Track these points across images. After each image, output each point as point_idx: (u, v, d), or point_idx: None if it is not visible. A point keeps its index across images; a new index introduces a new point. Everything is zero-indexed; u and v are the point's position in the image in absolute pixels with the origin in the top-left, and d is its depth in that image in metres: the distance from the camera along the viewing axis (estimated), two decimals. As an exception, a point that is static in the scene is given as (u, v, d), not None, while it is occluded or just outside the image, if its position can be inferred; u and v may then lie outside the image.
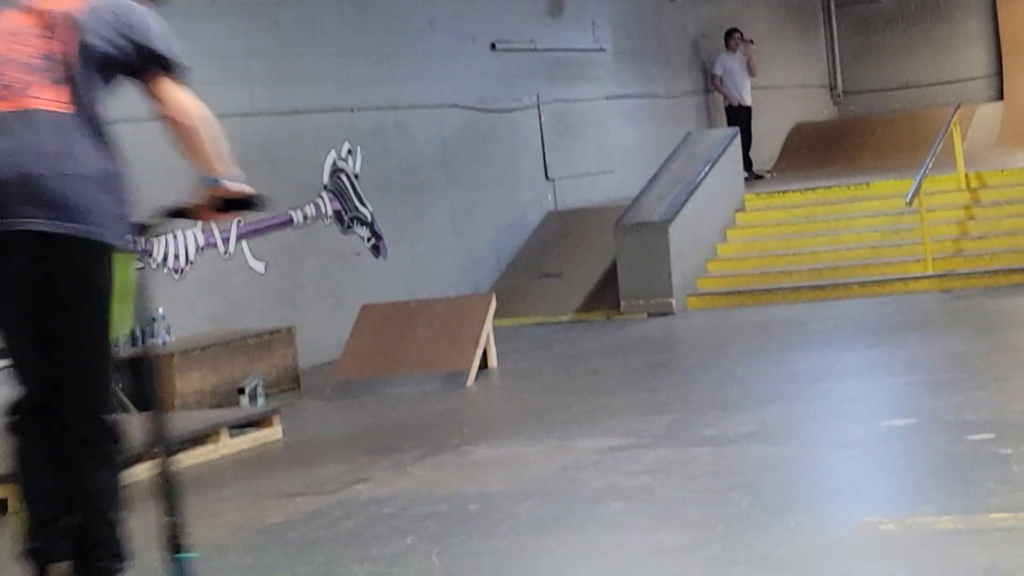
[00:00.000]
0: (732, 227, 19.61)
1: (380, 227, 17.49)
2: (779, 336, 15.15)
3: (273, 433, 12.05)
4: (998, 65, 26.34)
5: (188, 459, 11.29)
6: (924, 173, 17.79)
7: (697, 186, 18.79)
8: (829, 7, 27.41)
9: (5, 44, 3.94)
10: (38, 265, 3.71)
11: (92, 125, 4.00)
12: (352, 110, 17.23)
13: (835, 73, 27.46)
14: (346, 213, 17.05)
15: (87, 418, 4.01)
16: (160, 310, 14.17)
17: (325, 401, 13.88)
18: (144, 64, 4.01)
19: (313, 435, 12.30)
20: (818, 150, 25.44)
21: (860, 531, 7.59)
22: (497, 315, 15.16)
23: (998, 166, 20.12)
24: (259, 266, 15.76)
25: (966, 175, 19.01)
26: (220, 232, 15.27)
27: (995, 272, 16.96)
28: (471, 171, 19.13)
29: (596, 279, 18.68)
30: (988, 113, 25.67)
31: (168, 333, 14.16)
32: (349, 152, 17.13)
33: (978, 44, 26.69)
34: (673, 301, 17.67)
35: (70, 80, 3.97)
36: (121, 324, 3.98)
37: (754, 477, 9.07)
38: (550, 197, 20.63)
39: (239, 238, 15.52)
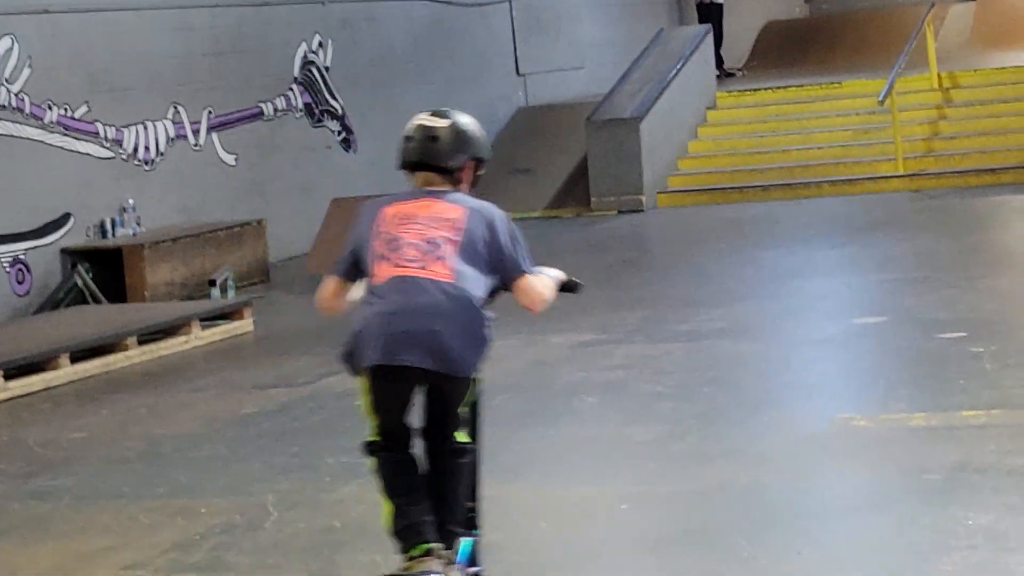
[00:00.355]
0: (703, 124, 19.55)
1: (351, 120, 17.39)
2: (750, 234, 15.16)
3: (244, 325, 12.04)
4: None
5: (160, 350, 11.28)
6: (896, 72, 17.75)
7: (669, 83, 18.70)
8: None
9: (405, 226, 5.40)
10: (431, 385, 5.32)
11: (466, 295, 5.29)
12: (323, 2, 17.07)
13: (808, -29, 27.38)
14: (316, 106, 16.94)
15: (452, 429, 5.36)
16: (131, 201, 14.09)
17: (296, 294, 13.85)
18: (509, 274, 5.43)
19: (284, 328, 12.28)
20: (790, 48, 25.31)
21: (833, 427, 7.65)
22: (468, 210, 15.09)
23: (971, 66, 20.07)
24: (229, 158, 15.66)
25: (939, 75, 18.96)
26: (190, 124, 15.15)
27: (966, 172, 16.98)
28: (441, 66, 18.99)
29: (566, 175, 18.63)
30: (961, 12, 25.55)
31: (138, 224, 14.08)
32: (320, 45, 16.99)
33: (953, -57, 26.58)
34: (644, 198, 17.65)
35: (455, 260, 5.28)
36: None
37: (727, 373, 9.11)
38: (521, 93, 20.52)
39: (209, 130, 15.40)
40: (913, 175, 17.17)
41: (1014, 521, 5.91)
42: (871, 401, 8.22)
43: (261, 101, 16.11)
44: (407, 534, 5.23)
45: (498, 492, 7.06)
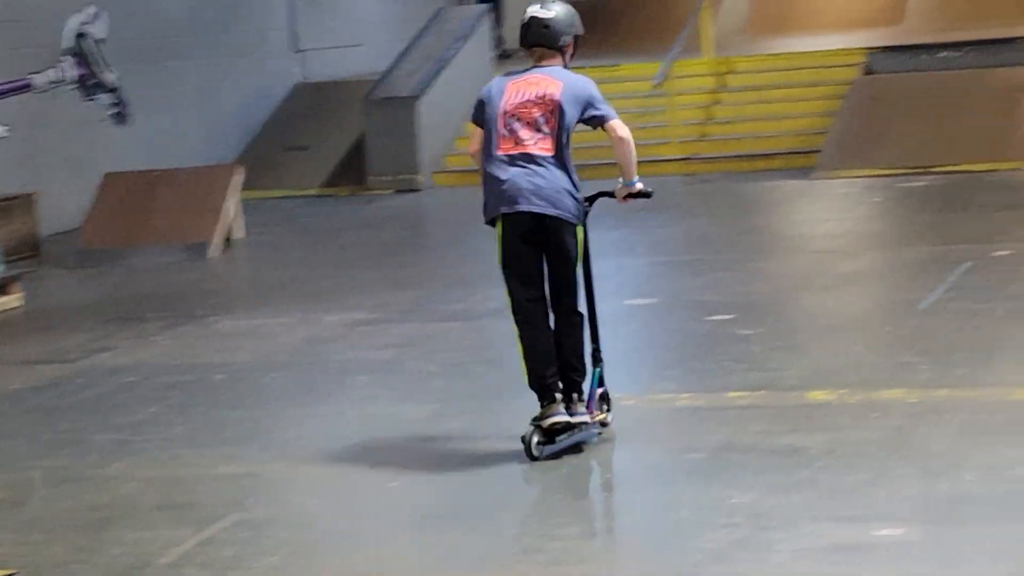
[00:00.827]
0: (482, 105, 19.58)
1: (125, 94, 17.05)
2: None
3: (12, 300, 11.78)
4: (748, -47, 26.67)
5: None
6: (673, 57, 17.98)
7: (447, 62, 18.71)
8: None
9: (521, 107, 7.09)
10: (538, 229, 7.05)
11: (561, 161, 7.15)
12: (97, -28, 16.71)
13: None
14: (90, 79, 16.56)
15: (566, 305, 7.23)
16: None
17: (67, 269, 13.60)
18: (595, 121, 7.22)
19: (55, 303, 12.06)
20: (570, 31, 25.47)
21: (603, 406, 7.72)
22: (243, 187, 14.97)
23: (746, 52, 20.43)
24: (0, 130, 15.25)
25: (714, 60, 19.27)
26: (-43, 93, 14.72)
27: (739, 157, 17.29)
28: (219, 40, 18.74)
29: (343, 153, 18.55)
30: (737, -1, 26.01)
31: (-100, 196, 13.66)
32: (94, 15, 16.61)
33: (729, -69, 26.96)
34: (420, 177, 17.66)
35: (555, 136, 7.07)
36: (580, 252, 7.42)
37: (501, 352, 9.11)
38: (298, 69, 20.34)
39: (-23, 100, 14.98)
40: (687, 159, 17.44)
41: (775, 500, 6.05)
42: (640, 381, 8.35)
43: (32, 72, 15.72)
44: (540, 391, 7.03)
45: (268, 469, 7.04)
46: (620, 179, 7.71)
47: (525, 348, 7.15)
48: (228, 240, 14.28)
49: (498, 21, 22.33)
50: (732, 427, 7.14)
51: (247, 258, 14.12)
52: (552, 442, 6.87)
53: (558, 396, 6.96)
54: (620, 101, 18.77)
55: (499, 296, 10.76)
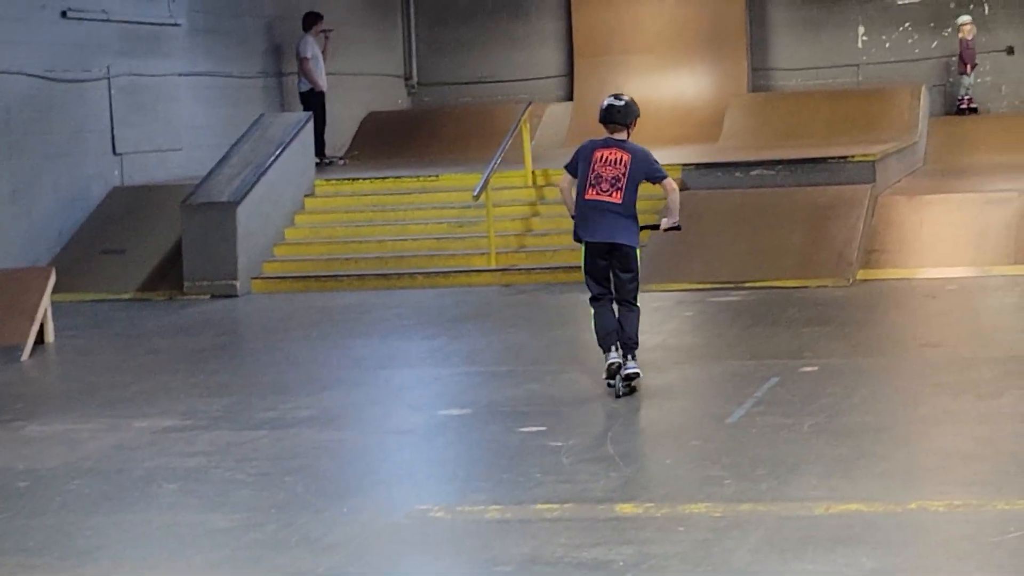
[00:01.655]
0: (301, 212, 19.59)
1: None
2: (343, 323, 15.23)
3: None
4: (570, 66, 27.08)
5: None
6: (492, 168, 18.17)
7: (267, 168, 18.70)
8: (407, -3, 27.69)
9: (604, 168, 10.51)
10: (610, 251, 10.47)
11: (628, 207, 10.49)
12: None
13: (411, 63, 27.68)
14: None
15: (628, 296, 10.61)
16: None
17: None
18: (654, 180, 10.56)
19: None
20: (391, 140, 25.64)
21: (411, 518, 7.71)
22: (57, 290, 14.77)
23: (564, 165, 20.62)
24: None
25: (533, 172, 19.49)
26: None
27: (555, 269, 17.45)
28: (36, 141, 18.52)
29: (160, 258, 18.38)
30: (559, 112, 26.36)
31: None
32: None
33: (552, 44, 27.36)
34: (238, 283, 17.56)
35: (624, 190, 10.47)
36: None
37: (311, 461, 9.10)
38: (117, 172, 20.15)
39: None
40: (505, 269, 17.58)
41: (579, 612, 6.06)
42: (450, 493, 8.34)
43: None
44: (605, 346, 10.59)
45: (66, 581, 6.89)
46: (665, 218, 10.96)
47: (596, 323, 10.71)
48: (40, 343, 14.04)
49: (321, 128, 22.40)
50: (539, 540, 7.15)
51: (58, 362, 13.89)
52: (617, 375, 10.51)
53: (613, 350, 10.52)
54: (439, 211, 19.13)
55: (311, 403, 10.86)
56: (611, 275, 10.68)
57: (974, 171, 21.63)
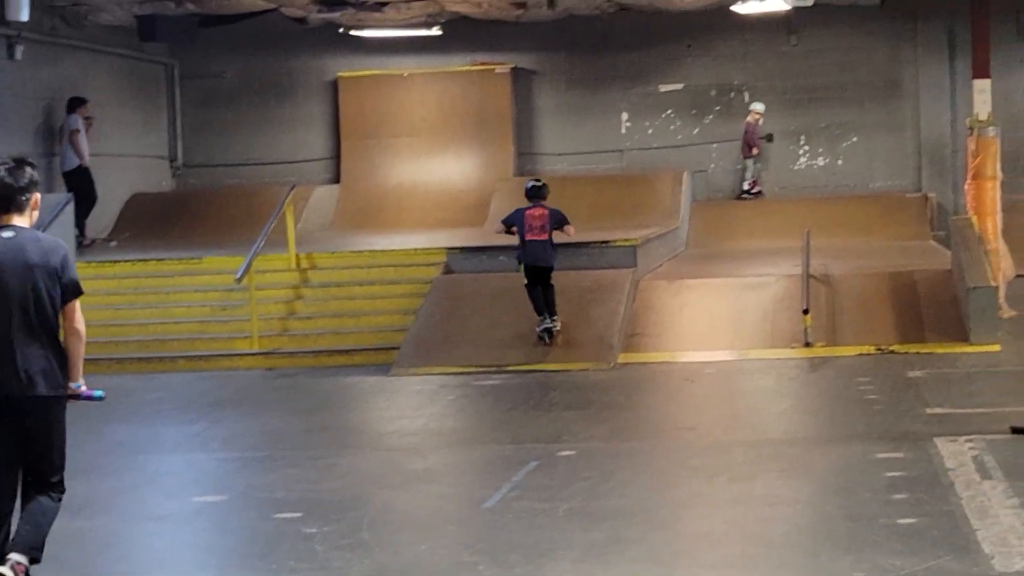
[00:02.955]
0: (61, 294, 19.17)
1: None
2: (101, 407, 14.67)
3: None
4: (337, 148, 27.07)
5: None
6: (256, 251, 18.04)
7: (26, 250, 18.26)
8: (173, 78, 27.39)
9: (533, 219, 16.69)
10: (540, 271, 16.77)
11: (551, 242, 16.72)
12: None
13: (176, 145, 27.42)
14: None
15: (549, 285, 16.72)
16: None
17: None
18: (560, 225, 16.94)
19: None
20: (155, 221, 25.30)
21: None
22: None
23: (330, 248, 20.64)
24: None
25: (297, 256, 19.39)
26: None
27: (319, 352, 17.37)
28: None
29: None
30: (325, 195, 26.32)
31: None
32: None
33: (319, 126, 27.34)
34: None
35: (547, 232, 16.66)
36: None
37: (58, 550, 8.80)
38: None
39: None
40: (268, 353, 17.43)
41: None
42: (201, 582, 8.18)
43: None
44: (538, 312, 16.56)
45: None
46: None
47: (532, 300, 16.59)
48: None
49: (87, 209, 22.06)
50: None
51: None
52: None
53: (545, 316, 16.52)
54: (202, 294, 18.90)
55: (67, 492, 10.53)
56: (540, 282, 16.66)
57: (734, 256, 22.13)
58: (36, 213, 7.46)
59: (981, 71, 19.50)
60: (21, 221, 7.41)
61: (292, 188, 20.45)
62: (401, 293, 18.54)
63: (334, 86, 27.19)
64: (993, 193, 19.21)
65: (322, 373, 16.56)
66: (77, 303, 7.49)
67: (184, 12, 23.19)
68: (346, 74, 26.96)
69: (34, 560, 7.30)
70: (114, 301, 19.22)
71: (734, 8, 24.41)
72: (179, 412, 14.56)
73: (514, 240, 16.92)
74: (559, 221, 16.72)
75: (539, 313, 16.67)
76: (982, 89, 19.45)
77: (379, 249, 19.99)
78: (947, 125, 26.05)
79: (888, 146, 26.48)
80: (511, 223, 16.86)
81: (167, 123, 27.42)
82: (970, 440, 10.94)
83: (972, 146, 19.33)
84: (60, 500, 7.48)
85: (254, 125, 27.46)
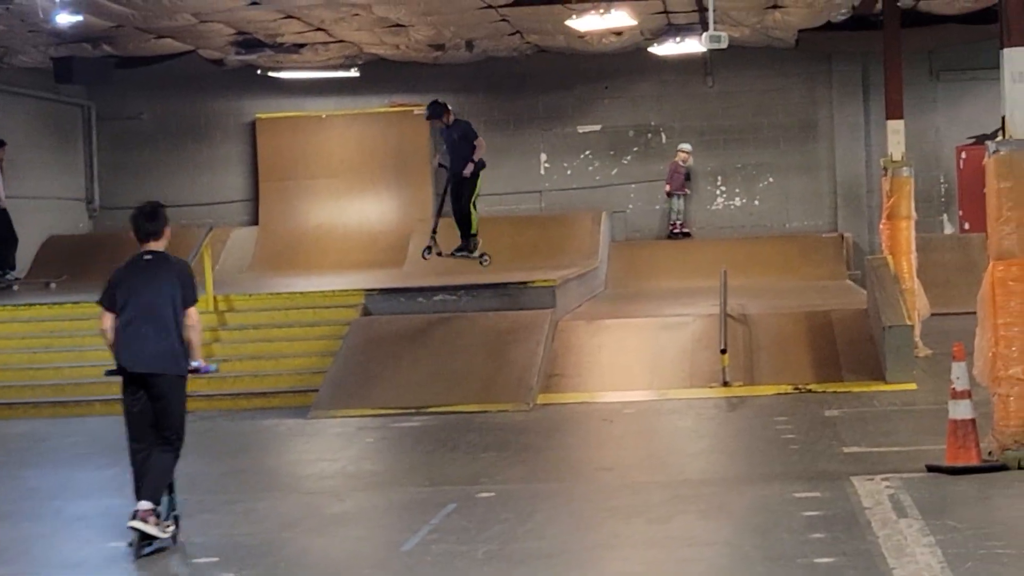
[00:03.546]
0: (-25, 338, 19.02)
1: None
2: (16, 452, 14.76)
3: None
4: (255, 190, 26.99)
5: None
6: (172, 293, 17.88)
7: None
8: (90, 120, 27.24)
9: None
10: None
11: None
12: None
13: (93, 187, 27.24)
14: None
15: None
16: None
17: None
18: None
19: None
20: (72, 263, 25.10)
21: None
22: None
23: (248, 290, 20.53)
24: None
25: (215, 298, 19.27)
26: None
27: (237, 395, 17.26)
28: None
29: None
30: (243, 237, 26.23)
31: None
32: None
33: (237, 168, 27.26)
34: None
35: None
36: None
37: (-31, 601, 8.74)
38: None
39: None
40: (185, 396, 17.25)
41: None
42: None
43: None
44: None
45: None
46: None
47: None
48: None
49: (7, 252, 21.93)
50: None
51: None
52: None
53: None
54: (116, 337, 18.66)
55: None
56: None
57: (652, 296, 22.22)
58: (166, 240, 10.10)
59: (895, 112, 19.71)
60: (157, 246, 10.11)
61: (209, 230, 20.38)
62: (319, 335, 18.46)
63: (252, 128, 27.13)
64: (908, 232, 19.40)
65: (240, 416, 16.45)
66: (194, 307, 10.22)
67: (101, 54, 23.07)
68: (264, 116, 26.91)
69: (156, 503, 9.82)
70: (30, 344, 19.04)
71: (651, 50, 24.59)
72: (95, 456, 14.40)
73: None
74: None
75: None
76: (896, 130, 19.65)
77: (297, 291, 19.90)
78: (862, 165, 26.34)
79: (804, 186, 26.72)
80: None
81: (84, 165, 27.25)
82: (887, 479, 10.99)
83: (886, 186, 19.52)
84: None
85: (171, 167, 27.36)
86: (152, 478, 9.97)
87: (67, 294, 21.22)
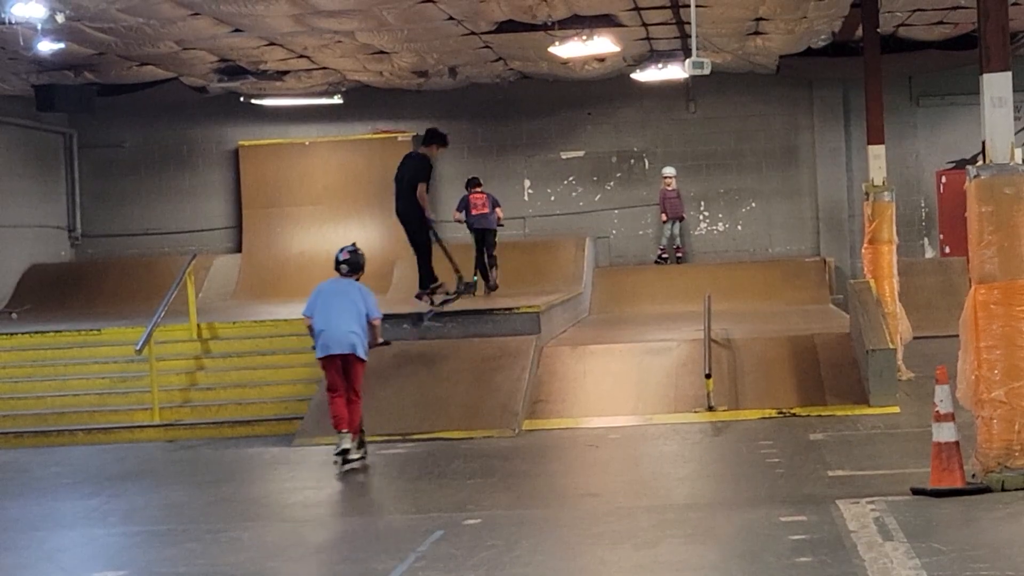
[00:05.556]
0: (-42, 367, 18.96)
1: None
2: (-3, 482, 14.71)
3: None
4: (238, 217, 26.99)
5: None
6: (156, 322, 17.90)
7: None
8: (72, 148, 27.23)
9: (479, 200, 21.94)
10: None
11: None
12: None
13: (75, 215, 27.22)
14: None
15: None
16: None
17: None
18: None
19: None
20: (54, 292, 25.10)
21: None
22: None
23: (232, 317, 20.51)
24: None
25: (199, 325, 19.25)
26: None
27: (221, 423, 17.22)
28: None
29: None
30: (227, 264, 26.21)
31: None
32: None
33: (220, 195, 27.26)
34: None
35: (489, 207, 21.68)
36: None
37: (-47, 632, 8.69)
38: None
39: None
40: (169, 425, 17.27)
41: None
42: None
43: None
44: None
45: None
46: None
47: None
48: None
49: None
50: None
51: None
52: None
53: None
54: (101, 366, 18.69)
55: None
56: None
57: (636, 321, 22.22)
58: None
59: (875, 137, 19.77)
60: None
61: (193, 257, 20.33)
62: (304, 362, 18.40)
63: (235, 155, 27.14)
64: (889, 257, 19.44)
65: (224, 444, 16.41)
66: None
67: (83, 81, 23.07)
68: (247, 143, 26.92)
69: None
70: (12, 374, 18.99)
71: (633, 76, 24.64)
72: (77, 486, 14.36)
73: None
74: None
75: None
76: (877, 155, 19.71)
77: (281, 318, 19.85)
78: (843, 190, 26.42)
79: (786, 211, 26.79)
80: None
81: (66, 193, 27.22)
82: (872, 502, 11.00)
83: (868, 211, 19.57)
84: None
85: (154, 194, 27.34)
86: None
87: (49, 322, 21.16)
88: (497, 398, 16.78)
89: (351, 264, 14.72)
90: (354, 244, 15.02)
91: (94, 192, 27.43)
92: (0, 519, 12.67)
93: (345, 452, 14.07)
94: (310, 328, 14.45)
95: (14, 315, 23.45)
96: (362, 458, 14.41)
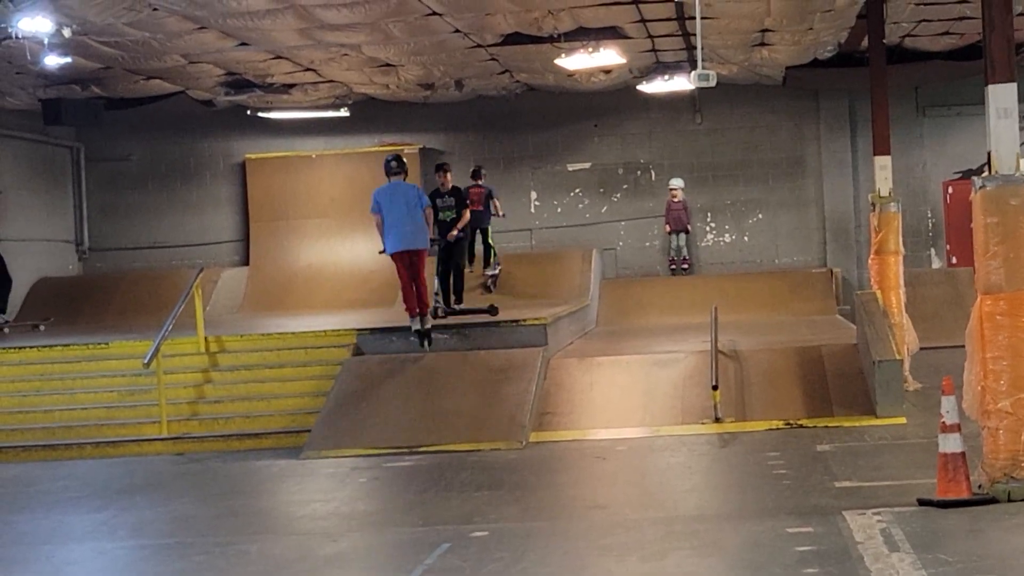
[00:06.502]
0: (-34, 381, 19.00)
1: None
2: (6, 496, 14.72)
3: None
4: (245, 230, 27.04)
5: None
6: (164, 335, 17.92)
7: (-70, 337, 18.10)
8: (79, 162, 27.30)
9: (475, 196, 23.51)
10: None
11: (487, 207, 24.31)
12: None
13: (82, 229, 27.29)
14: None
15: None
16: None
17: None
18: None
19: None
20: (62, 306, 25.15)
21: None
22: None
23: (239, 331, 20.52)
24: None
25: (206, 339, 19.26)
26: None
27: (229, 436, 17.24)
28: None
29: None
30: (234, 277, 26.24)
31: None
32: None
33: (227, 209, 27.32)
34: None
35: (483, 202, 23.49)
36: None
37: (-38, 646, 8.72)
38: None
39: None
40: (177, 438, 17.29)
41: None
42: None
43: None
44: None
45: None
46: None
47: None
48: None
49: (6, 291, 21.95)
50: None
51: None
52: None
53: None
54: (109, 379, 18.72)
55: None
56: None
57: (643, 332, 22.22)
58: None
59: (882, 148, 19.79)
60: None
61: (200, 271, 20.34)
62: (311, 375, 18.46)
63: (242, 168, 27.18)
64: (896, 267, 19.45)
65: (232, 457, 16.43)
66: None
67: (90, 95, 23.13)
68: (254, 156, 26.98)
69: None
70: (20, 388, 19.02)
71: (640, 88, 24.68)
72: (86, 500, 14.38)
73: None
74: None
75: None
76: (883, 165, 19.73)
77: (289, 331, 19.88)
78: (850, 201, 26.43)
79: (793, 222, 26.80)
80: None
81: (73, 206, 27.29)
82: (878, 513, 11.01)
83: (875, 221, 19.58)
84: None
85: (161, 208, 27.40)
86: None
87: (57, 336, 21.21)
88: (504, 410, 16.79)
89: (400, 161, 17.92)
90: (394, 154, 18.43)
91: (101, 206, 27.50)
92: (9, 533, 12.69)
93: (419, 333, 17.73)
94: (379, 226, 17.51)
95: (41, 327, 23.51)
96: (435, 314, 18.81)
